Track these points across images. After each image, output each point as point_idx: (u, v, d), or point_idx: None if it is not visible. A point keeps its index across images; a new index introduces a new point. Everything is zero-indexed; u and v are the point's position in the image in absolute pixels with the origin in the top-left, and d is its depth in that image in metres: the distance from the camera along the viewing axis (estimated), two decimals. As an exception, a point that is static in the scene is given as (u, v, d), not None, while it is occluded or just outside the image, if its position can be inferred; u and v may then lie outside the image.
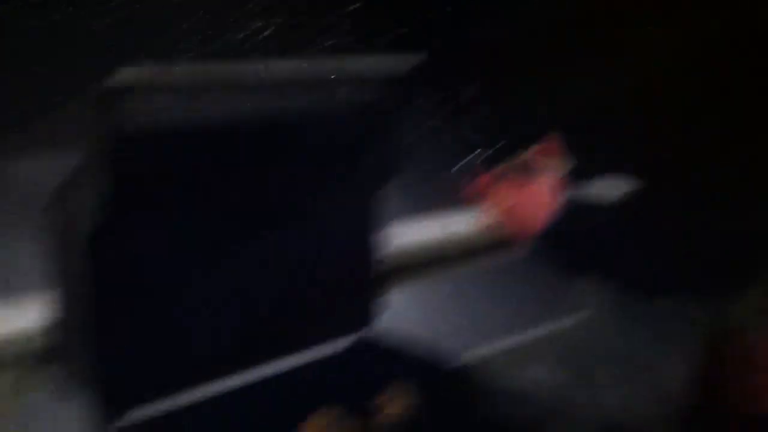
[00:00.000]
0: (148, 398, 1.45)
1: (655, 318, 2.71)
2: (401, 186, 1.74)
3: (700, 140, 1.37)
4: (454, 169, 1.38)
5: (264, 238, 1.58)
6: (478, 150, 1.39)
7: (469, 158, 1.39)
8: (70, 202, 1.35)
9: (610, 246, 1.35)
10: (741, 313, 1.52)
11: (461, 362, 1.70)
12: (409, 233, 2.27)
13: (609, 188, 1.40)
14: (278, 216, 1.59)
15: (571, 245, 1.34)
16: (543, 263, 1.39)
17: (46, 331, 1.45)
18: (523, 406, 1.73)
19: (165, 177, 1.37)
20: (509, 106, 1.46)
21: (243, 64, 1.39)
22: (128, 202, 1.29)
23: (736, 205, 1.39)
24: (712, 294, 1.49)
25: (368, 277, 1.84)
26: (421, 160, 1.50)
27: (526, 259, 2.53)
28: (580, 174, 1.37)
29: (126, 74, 1.22)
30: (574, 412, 1.83)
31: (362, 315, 1.84)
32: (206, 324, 1.52)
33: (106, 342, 1.37)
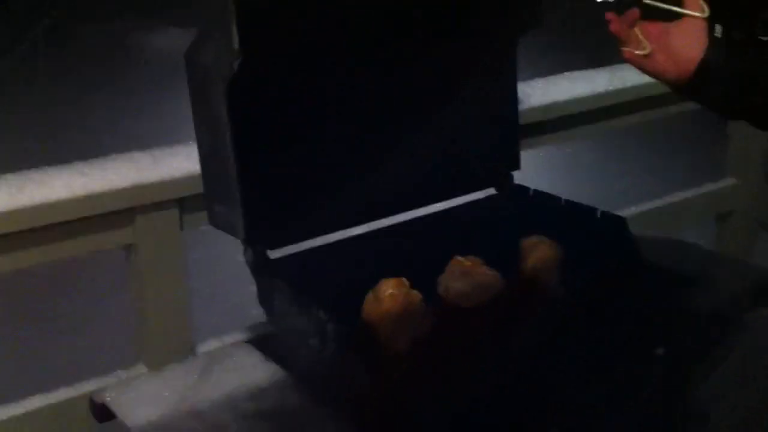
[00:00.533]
0: (296, 236, 1.53)
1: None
2: (544, 41, 1.69)
3: None
4: (598, 3, 1.34)
5: (401, 85, 1.59)
6: None
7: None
8: (206, 53, 1.39)
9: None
10: None
11: (608, 217, 1.68)
12: (554, 89, 2.23)
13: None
14: (414, 60, 1.59)
15: (725, 85, 1.28)
16: (697, 104, 1.34)
17: (201, 174, 1.53)
18: (672, 262, 1.70)
19: (307, 27, 1.39)
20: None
21: None
22: (264, 48, 1.33)
23: None
24: None
25: (509, 131, 1.84)
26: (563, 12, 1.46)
27: (676, 116, 2.45)
28: (721, 19, 1.30)
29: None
30: (725, 272, 1.79)
31: (503, 168, 1.84)
32: (347, 168, 1.57)
33: (251, 184, 1.42)
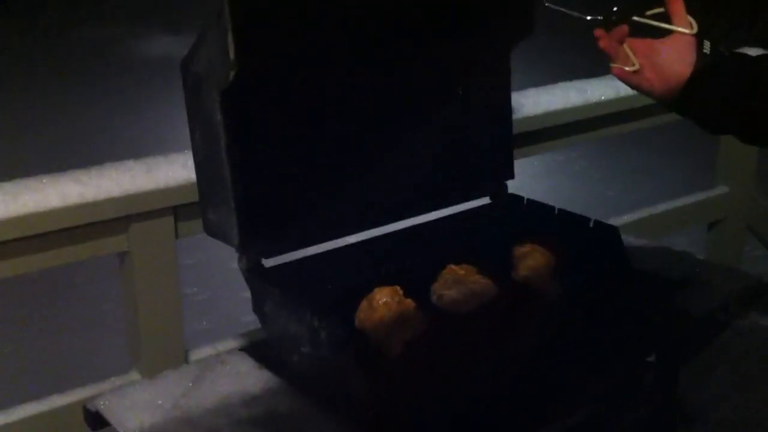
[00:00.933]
0: (290, 244, 1.54)
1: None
2: (544, 40, 1.69)
3: None
4: (588, 21, 1.35)
5: (395, 95, 1.60)
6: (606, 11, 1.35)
7: (599, 15, 1.35)
8: (201, 61, 1.40)
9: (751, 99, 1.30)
10: None
11: (600, 226, 1.69)
12: (547, 98, 2.25)
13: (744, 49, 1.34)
14: (408, 66, 1.60)
15: (713, 102, 1.29)
16: (687, 120, 1.36)
17: (196, 181, 1.54)
18: (664, 270, 1.71)
19: (303, 36, 1.40)
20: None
21: None
22: (260, 55, 1.33)
23: None
24: None
25: (503, 141, 1.84)
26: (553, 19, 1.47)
27: (668, 125, 2.47)
28: (710, 35, 1.31)
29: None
30: (717, 278, 1.80)
31: (497, 177, 1.85)
32: (342, 177, 1.58)
33: (246, 192, 1.42)
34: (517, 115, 1.92)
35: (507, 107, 1.83)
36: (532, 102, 2.21)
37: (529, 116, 2.17)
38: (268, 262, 1.49)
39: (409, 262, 1.61)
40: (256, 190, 1.45)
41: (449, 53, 1.64)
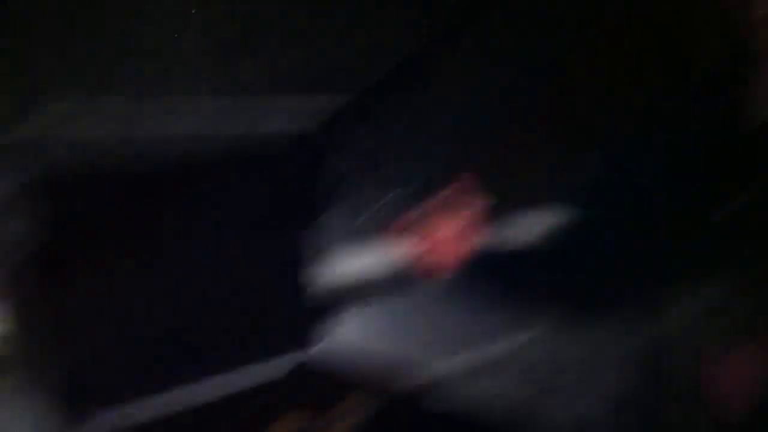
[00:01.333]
0: (100, 408, 1.51)
1: (598, 333, 2.76)
2: (336, 217, 1.76)
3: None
4: (377, 207, 1.41)
5: (195, 264, 1.63)
6: (399, 189, 1.42)
7: (390, 196, 1.41)
8: (9, 223, 1.40)
9: (536, 271, 1.39)
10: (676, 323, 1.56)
11: (415, 378, 1.76)
12: (347, 261, 2.31)
13: (531, 219, 1.44)
14: (210, 242, 1.65)
15: (497, 274, 1.37)
16: (470, 291, 1.43)
17: (3, 339, 1.51)
18: (482, 419, 1.77)
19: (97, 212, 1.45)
20: (428, 145, 1.49)
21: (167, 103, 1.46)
22: (64, 227, 1.37)
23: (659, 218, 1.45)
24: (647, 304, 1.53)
25: (306, 303, 1.89)
26: (349, 195, 1.54)
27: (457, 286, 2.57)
28: (499, 209, 1.39)
29: (53, 111, 1.31)
30: (537, 424, 1.87)
31: (302, 337, 1.88)
32: (149, 336, 1.58)
33: (56, 353, 1.43)
34: (322, 278, 1.97)
35: (308, 271, 1.88)
36: (338, 264, 2.27)
37: (336, 277, 2.22)
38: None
39: (232, 419, 1.61)
40: (62, 354, 1.44)
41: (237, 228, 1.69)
